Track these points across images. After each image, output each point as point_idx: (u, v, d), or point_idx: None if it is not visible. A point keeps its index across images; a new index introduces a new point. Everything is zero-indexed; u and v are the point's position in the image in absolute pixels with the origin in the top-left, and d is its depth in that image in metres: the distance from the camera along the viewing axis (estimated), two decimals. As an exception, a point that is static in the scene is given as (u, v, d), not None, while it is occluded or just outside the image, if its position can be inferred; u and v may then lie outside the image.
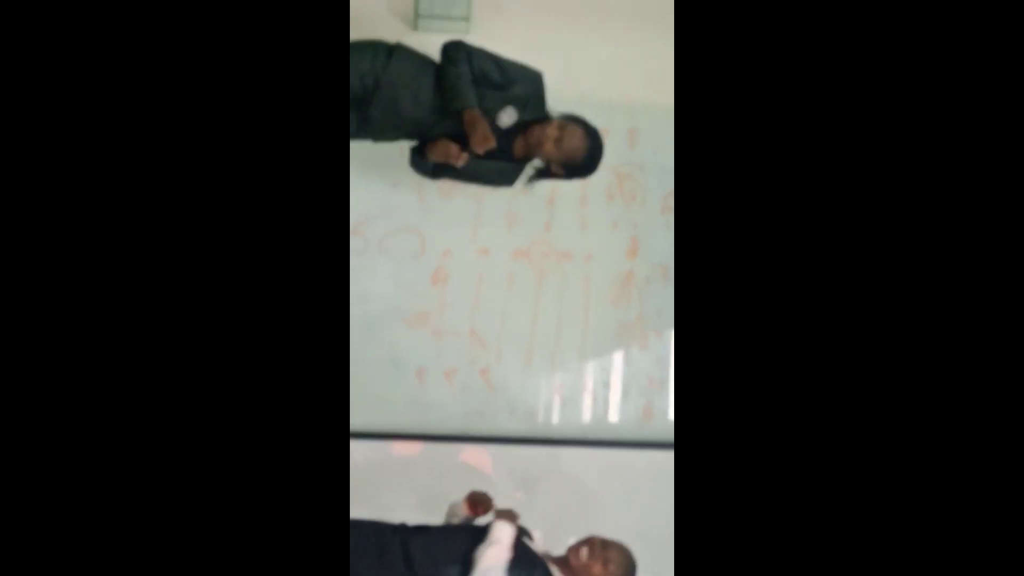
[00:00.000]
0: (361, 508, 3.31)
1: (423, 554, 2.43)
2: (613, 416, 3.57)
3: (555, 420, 3.52)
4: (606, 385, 3.56)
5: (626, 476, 3.44)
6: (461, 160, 2.68)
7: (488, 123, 2.64)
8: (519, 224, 3.51)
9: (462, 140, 2.67)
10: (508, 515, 2.56)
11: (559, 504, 3.42)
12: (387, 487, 3.39)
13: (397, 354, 3.45)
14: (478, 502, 2.67)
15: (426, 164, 2.80)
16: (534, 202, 3.51)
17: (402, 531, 2.52)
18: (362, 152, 3.38)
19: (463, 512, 2.69)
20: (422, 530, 2.54)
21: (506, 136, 2.74)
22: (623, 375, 3.56)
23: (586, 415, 3.55)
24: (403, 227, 3.47)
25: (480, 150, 2.63)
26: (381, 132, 2.81)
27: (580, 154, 2.76)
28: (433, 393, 3.44)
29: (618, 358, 3.57)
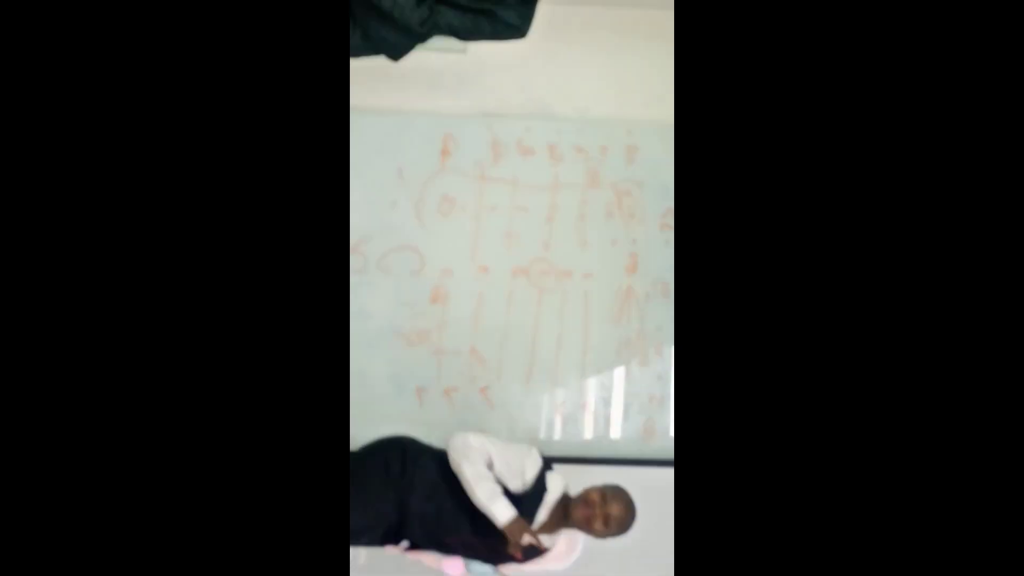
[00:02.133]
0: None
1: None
2: (614, 433, 3.56)
3: (556, 438, 3.51)
4: (607, 402, 3.55)
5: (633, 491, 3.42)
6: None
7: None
8: (518, 242, 3.51)
9: None
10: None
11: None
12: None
13: (397, 372, 3.45)
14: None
15: None
16: (533, 220, 3.52)
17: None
18: (361, 169, 3.40)
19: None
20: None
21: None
22: (624, 392, 3.56)
23: (587, 433, 3.54)
24: (402, 245, 3.47)
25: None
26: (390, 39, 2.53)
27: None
28: (433, 411, 3.43)
29: (619, 375, 3.56)
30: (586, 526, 2.66)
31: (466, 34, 2.48)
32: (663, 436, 3.53)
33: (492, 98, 3.53)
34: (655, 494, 3.19)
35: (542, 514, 2.69)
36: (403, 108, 3.50)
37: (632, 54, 3.57)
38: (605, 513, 2.64)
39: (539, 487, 2.72)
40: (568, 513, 2.69)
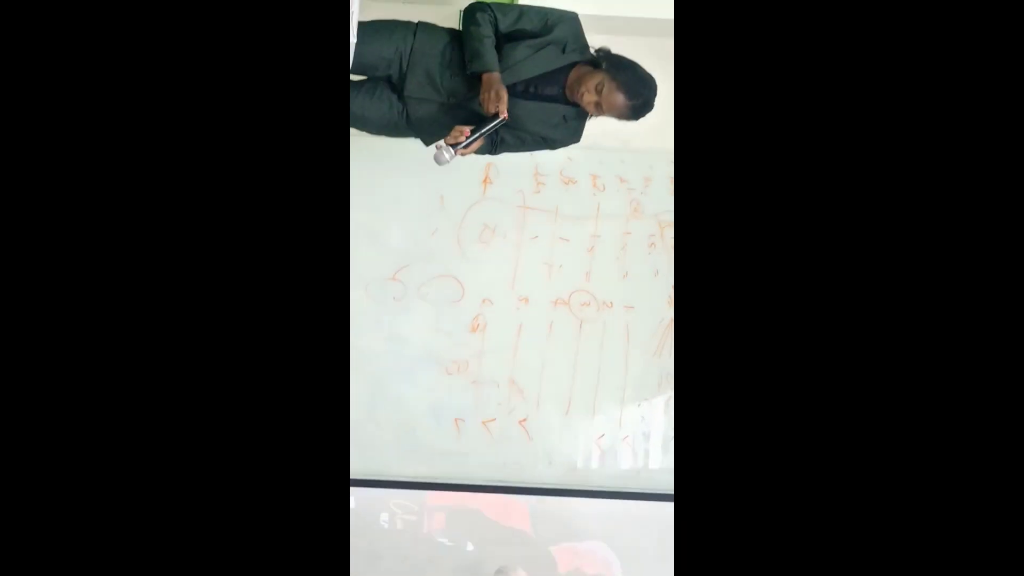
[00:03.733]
0: (397, 563, 3.32)
1: None
2: (654, 466, 3.52)
3: (594, 470, 3.48)
4: (646, 436, 3.52)
5: (666, 527, 3.37)
6: (461, 136, 2.49)
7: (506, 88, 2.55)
8: (559, 272, 3.49)
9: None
10: None
11: (596, 557, 3.37)
12: (422, 539, 3.36)
13: (435, 402, 3.43)
14: None
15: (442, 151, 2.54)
16: (574, 250, 3.50)
17: None
18: (403, 196, 3.40)
19: None
20: None
21: (554, 80, 2.67)
22: (663, 425, 3.52)
23: (625, 465, 3.51)
24: (442, 273, 3.47)
25: (490, 111, 2.51)
26: (423, 122, 2.72)
27: (624, 112, 2.65)
28: (471, 442, 3.41)
29: (658, 407, 3.53)
30: None
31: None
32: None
33: (535, 127, 3.51)
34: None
35: None
36: (433, 146, 3.50)
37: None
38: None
39: None
40: None
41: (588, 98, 2.58)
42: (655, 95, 2.62)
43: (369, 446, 3.34)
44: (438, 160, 2.50)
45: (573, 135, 2.76)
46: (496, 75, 2.53)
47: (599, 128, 3.54)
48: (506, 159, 3.45)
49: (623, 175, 3.52)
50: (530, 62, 2.60)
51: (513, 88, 2.58)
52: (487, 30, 2.56)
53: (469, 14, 2.61)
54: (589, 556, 3.36)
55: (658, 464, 3.52)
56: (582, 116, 2.70)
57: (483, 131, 2.50)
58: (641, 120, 3.51)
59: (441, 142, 2.52)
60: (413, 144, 3.40)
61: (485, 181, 3.48)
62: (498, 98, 2.50)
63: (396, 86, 2.65)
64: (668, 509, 3.36)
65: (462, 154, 2.50)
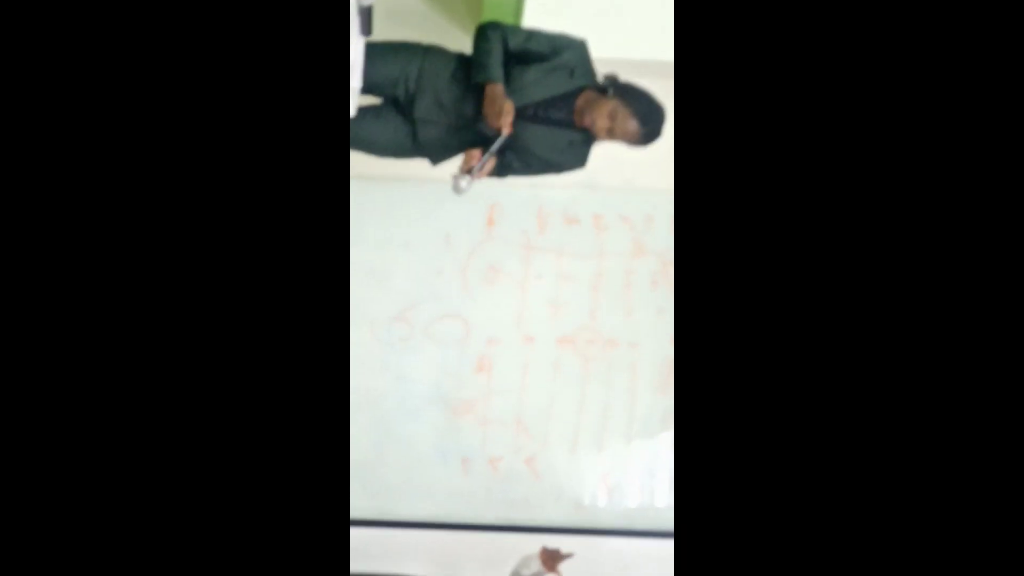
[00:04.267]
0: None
1: None
2: (660, 503, 3.51)
3: (601, 508, 3.47)
4: (652, 473, 3.51)
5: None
6: (474, 160, 2.53)
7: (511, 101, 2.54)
8: (564, 311, 3.51)
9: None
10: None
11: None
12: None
13: (441, 442, 3.44)
14: (551, 557, 2.66)
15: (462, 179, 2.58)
16: (578, 289, 3.51)
17: None
18: (408, 237, 3.43)
19: (535, 567, 2.69)
20: None
21: (562, 104, 2.66)
22: (669, 463, 3.50)
23: (632, 503, 3.50)
24: (448, 313, 3.48)
25: (494, 125, 2.50)
26: (432, 143, 2.72)
27: (635, 138, 2.63)
28: (478, 481, 3.41)
29: (665, 445, 3.52)
30: None
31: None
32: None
33: (538, 168, 3.54)
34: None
35: None
36: (450, 177, 3.52)
37: (678, 123, 3.57)
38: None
39: None
40: None
41: (601, 124, 2.58)
42: (664, 122, 2.64)
43: (376, 486, 3.34)
44: (456, 189, 2.52)
45: (579, 160, 2.76)
46: (500, 87, 2.53)
47: (601, 166, 3.57)
48: (510, 199, 3.49)
49: (625, 214, 3.55)
50: (539, 85, 2.61)
51: (522, 111, 2.59)
52: (496, 45, 2.56)
53: (480, 32, 2.61)
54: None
55: (665, 502, 3.52)
56: (588, 141, 2.70)
57: (493, 150, 2.51)
58: (643, 157, 3.54)
59: (456, 172, 2.53)
60: (419, 185, 3.45)
61: (490, 222, 3.51)
62: (502, 111, 2.49)
63: (404, 107, 2.67)
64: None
65: (478, 177, 2.52)
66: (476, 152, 2.52)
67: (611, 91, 2.60)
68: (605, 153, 3.53)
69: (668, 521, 3.45)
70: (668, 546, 3.35)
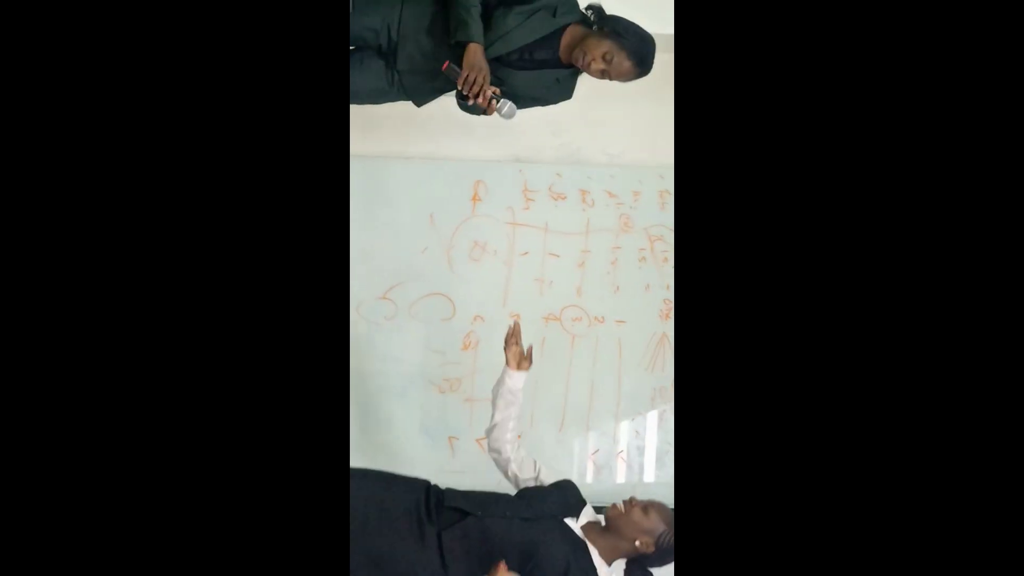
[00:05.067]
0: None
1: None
2: (648, 479, 3.51)
3: (589, 485, 3.46)
4: (640, 450, 3.51)
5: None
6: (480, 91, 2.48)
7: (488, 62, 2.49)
8: (550, 288, 3.49)
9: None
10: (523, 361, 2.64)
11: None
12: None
13: (428, 421, 3.43)
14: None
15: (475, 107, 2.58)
16: (565, 266, 3.49)
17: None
18: (392, 215, 3.40)
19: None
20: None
21: (547, 44, 2.61)
22: (657, 439, 3.51)
23: (620, 480, 3.49)
24: (433, 292, 3.46)
25: (470, 94, 2.46)
26: (414, 87, 2.69)
27: (630, 76, 2.59)
28: (465, 460, 3.39)
29: (652, 421, 3.52)
30: (622, 520, 2.45)
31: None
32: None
33: (523, 144, 3.52)
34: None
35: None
36: (435, 154, 3.50)
37: (664, 99, 3.54)
38: (643, 505, 2.46)
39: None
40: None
41: (596, 67, 2.53)
42: (655, 51, 2.59)
43: (362, 466, 3.32)
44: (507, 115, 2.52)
45: (566, 94, 2.72)
46: (480, 47, 2.48)
47: (588, 143, 3.57)
48: (495, 175, 3.47)
49: (612, 190, 3.53)
50: (522, 29, 2.55)
51: (506, 58, 2.56)
52: (473, 3, 2.49)
53: None
54: None
55: (652, 478, 3.51)
56: (575, 75, 2.67)
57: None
58: (629, 133, 3.53)
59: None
60: (404, 163, 3.42)
61: (474, 198, 3.48)
62: (478, 80, 2.45)
63: (386, 54, 2.61)
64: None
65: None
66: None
67: (596, 26, 2.57)
68: (591, 129, 3.53)
69: (656, 497, 3.44)
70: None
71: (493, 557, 2.24)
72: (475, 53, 2.46)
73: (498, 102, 2.49)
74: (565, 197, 3.52)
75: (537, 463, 2.63)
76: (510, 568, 2.19)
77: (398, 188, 3.44)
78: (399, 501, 2.41)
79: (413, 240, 3.45)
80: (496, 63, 2.54)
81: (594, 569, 2.39)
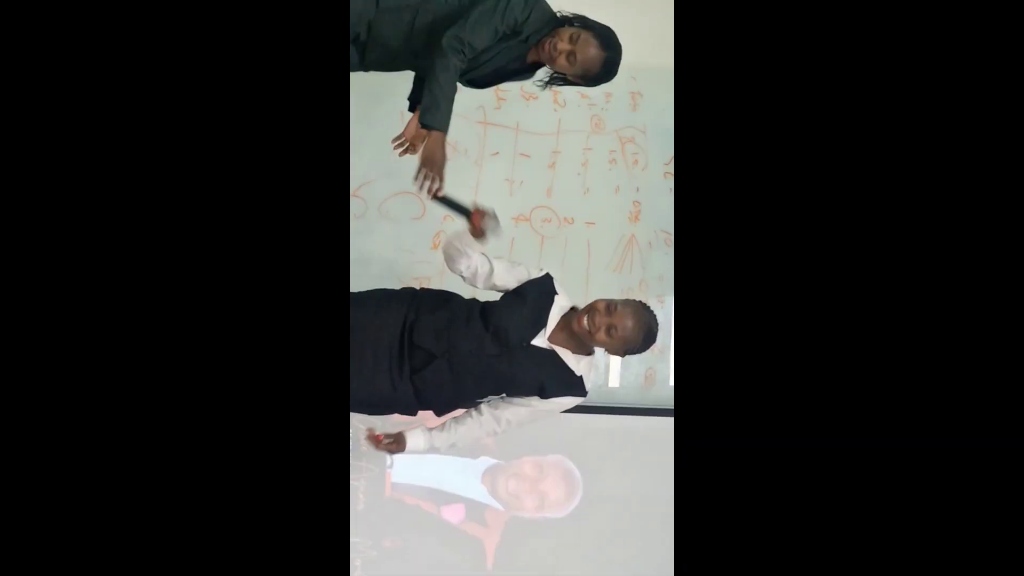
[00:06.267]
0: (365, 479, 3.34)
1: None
2: (614, 382, 3.56)
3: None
4: (605, 352, 3.54)
5: (627, 442, 3.43)
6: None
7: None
8: (520, 189, 3.48)
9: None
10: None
11: (559, 469, 3.42)
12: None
13: (397, 319, 3.42)
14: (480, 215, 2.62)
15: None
16: (535, 167, 3.48)
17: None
18: (362, 114, 3.36)
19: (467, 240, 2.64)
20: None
21: (518, 58, 2.64)
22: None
23: (586, 382, 3.52)
24: (403, 190, 3.44)
25: (428, 191, 2.52)
26: (380, 67, 2.74)
27: (595, 65, 2.58)
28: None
29: (619, 324, 3.53)
30: (588, 338, 2.47)
31: None
32: (663, 385, 3.53)
33: (496, 42, 3.47)
34: (655, 442, 3.20)
35: (551, 321, 2.55)
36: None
37: (634, 2, 3.51)
38: (608, 323, 2.44)
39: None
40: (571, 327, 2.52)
41: (561, 47, 2.51)
42: (620, 58, 2.60)
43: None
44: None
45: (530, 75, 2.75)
46: (443, 136, 2.52)
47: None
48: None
49: (584, 91, 3.48)
50: (497, 58, 2.60)
51: (478, 79, 2.63)
52: (451, 85, 2.50)
53: (441, 55, 2.48)
54: (552, 468, 3.41)
55: (617, 382, 3.55)
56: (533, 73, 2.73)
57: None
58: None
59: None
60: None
61: (446, 97, 3.44)
62: (435, 179, 2.51)
63: (359, 42, 2.62)
64: (628, 422, 3.43)
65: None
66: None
67: (567, 22, 2.57)
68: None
69: (621, 399, 3.51)
70: (621, 421, 3.42)
71: (466, 392, 2.44)
72: (436, 144, 2.50)
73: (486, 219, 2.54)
74: (537, 97, 3.48)
75: (492, 263, 2.65)
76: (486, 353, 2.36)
77: (369, 87, 3.38)
78: (384, 331, 2.50)
79: (383, 138, 3.40)
80: (467, 83, 2.59)
81: (568, 370, 2.51)
